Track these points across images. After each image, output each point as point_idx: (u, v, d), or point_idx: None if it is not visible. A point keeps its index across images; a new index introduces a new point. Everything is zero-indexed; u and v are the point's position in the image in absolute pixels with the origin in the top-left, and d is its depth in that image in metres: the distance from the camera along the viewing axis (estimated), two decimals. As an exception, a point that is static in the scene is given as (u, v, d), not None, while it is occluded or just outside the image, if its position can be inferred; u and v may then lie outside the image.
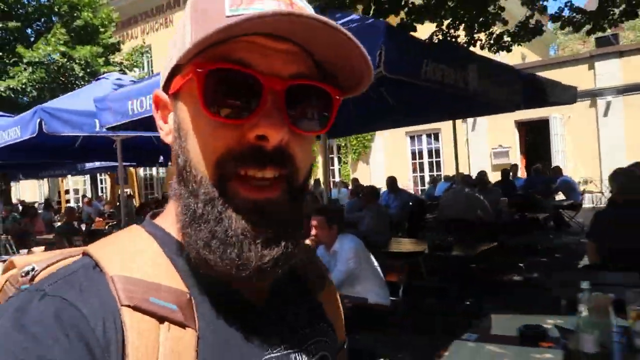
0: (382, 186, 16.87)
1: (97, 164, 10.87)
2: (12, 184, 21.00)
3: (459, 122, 15.24)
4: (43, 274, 0.57)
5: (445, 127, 16.28)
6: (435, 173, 16.43)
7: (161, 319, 0.51)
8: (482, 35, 7.06)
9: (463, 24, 7.14)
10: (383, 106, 5.94)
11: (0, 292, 0.61)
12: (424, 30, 6.60)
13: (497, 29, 7.36)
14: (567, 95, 7.27)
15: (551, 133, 14.02)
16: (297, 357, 0.61)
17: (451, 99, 4.58)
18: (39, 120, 5.05)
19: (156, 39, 20.36)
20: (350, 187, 12.97)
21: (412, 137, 17.23)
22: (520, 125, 15.24)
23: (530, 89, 5.81)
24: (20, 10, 12.26)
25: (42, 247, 7.00)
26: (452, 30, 6.98)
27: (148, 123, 4.35)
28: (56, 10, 12.26)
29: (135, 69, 14.72)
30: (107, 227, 10.30)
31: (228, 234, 0.53)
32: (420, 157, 17.17)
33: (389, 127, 11.13)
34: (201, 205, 0.54)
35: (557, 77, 13.15)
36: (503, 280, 5.83)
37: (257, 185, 0.54)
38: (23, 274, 0.57)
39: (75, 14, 12.23)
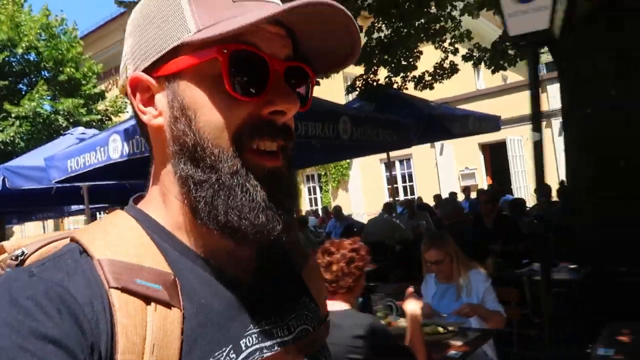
0: (360, 212, 17.64)
1: (80, 206, 11.84)
2: (18, 226, 22.17)
3: (427, 146, 16.24)
4: (32, 257, 0.59)
5: (416, 152, 17.22)
6: (409, 197, 17.23)
7: (147, 300, 0.54)
8: (398, 79, 7.96)
9: (387, 68, 8.07)
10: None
11: None
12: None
13: (415, 71, 8.27)
14: (486, 124, 8.12)
15: (509, 154, 14.80)
16: (279, 331, 0.65)
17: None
18: (2, 177, 5.99)
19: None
20: (321, 215, 13.82)
21: (386, 164, 18.07)
22: (484, 148, 16.06)
23: (432, 124, 6.67)
24: (12, 69, 13.41)
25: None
26: (372, 75, 7.90)
27: (85, 176, 5.30)
28: (42, 66, 13.45)
29: (120, 114, 15.74)
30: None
31: (255, 201, 0.57)
32: (395, 182, 18.00)
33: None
34: (227, 176, 0.57)
35: (514, 100, 14.20)
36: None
37: (267, 155, 0.59)
38: (13, 258, 0.60)
39: (59, 69, 13.39)
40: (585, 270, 4.02)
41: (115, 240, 0.58)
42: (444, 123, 6.95)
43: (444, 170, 16.79)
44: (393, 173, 18.00)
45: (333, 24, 0.58)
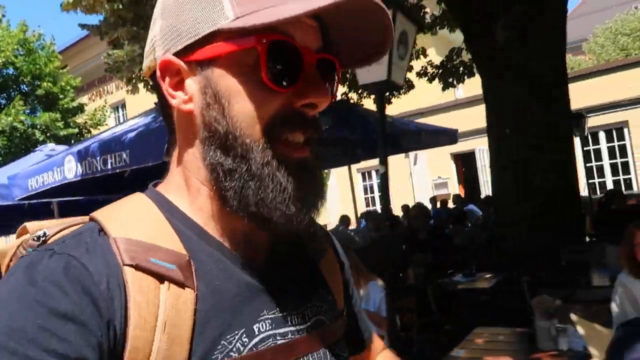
0: (337, 221, 17.95)
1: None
2: (3, 238, 22.42)
3: (402, 156, 16.64)
4: (54, 238, 0.60)
5: (392, 162, 17.51)
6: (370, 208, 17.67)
7: (161, 278, 0.55)
8: (354, 95, 8.34)
9: (342, 85, 8.44)
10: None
11: (13, 255, 0.63)
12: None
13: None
14: (443, 138, 8.49)
15: (478, 164, 15.23)
16: (293, 319, 0.65)
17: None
18: (-32, 194, 6.27)
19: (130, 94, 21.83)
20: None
21: (362, 174, 18.47)
22: (456, 157, 16.49)
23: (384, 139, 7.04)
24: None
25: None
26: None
27: (45, 194, 5.60)
28: (20, 81, 13.74)
29: (99, 126, 16.01)
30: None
31: (286, 192, 0.58)
32: (372, 191, 18.39)
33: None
34: (258, 166, 0.58)
35: (483, 111, 14.54)
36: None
37: (296, 146, 0.61)
38: (35, 238, 0.61)
39: (37, 83, 13.69)
40: (498, 279, 4.39)
41: (132, 220, 0.60)
42: (396, 138, 7.32)
43: (418, 179, 17.20)
44: (370, 183, 18.41)
45: (369, 18, 0.59)
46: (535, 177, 4.77)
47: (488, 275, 4.56)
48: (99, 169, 4.67)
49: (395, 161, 16.67)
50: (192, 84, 0.62)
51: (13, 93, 13.96)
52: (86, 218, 0.63)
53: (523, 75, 4.81)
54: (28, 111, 13.34)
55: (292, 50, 0.58)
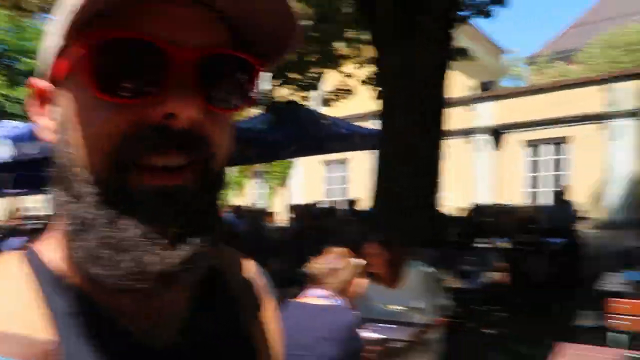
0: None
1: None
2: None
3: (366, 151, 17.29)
4: None
5: (353, 155, 18.00)
6: (345, 198, 18.32)
7: None
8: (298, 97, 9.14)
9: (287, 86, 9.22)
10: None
11: None
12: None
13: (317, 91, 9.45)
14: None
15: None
16: None
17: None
18: None
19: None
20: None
21: (327, 164, 19.01)
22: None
23: (316, 140, 7.74)
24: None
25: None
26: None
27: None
28: (6, 55, 14.55)
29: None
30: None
31: (124, 237, 0.42)
32: (336, 183, 19.08)
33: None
34: (92, 209, 0.43)
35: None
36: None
37: (163, 172, 0.44)
38: None
39: (20, 59, 14.49)
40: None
41: None
42: (328, 142, 7.98)
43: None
44: (333, 174, 19.06)
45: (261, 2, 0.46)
46: (401, 193, 5.61)
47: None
48: (27, 153, 5.48)
49: (358, 154, 17.17)
50: (53, 109, 0.50)
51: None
52: None
53: (403, 102, 5.67)
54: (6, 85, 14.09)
55: (143, 49, 0.43)
